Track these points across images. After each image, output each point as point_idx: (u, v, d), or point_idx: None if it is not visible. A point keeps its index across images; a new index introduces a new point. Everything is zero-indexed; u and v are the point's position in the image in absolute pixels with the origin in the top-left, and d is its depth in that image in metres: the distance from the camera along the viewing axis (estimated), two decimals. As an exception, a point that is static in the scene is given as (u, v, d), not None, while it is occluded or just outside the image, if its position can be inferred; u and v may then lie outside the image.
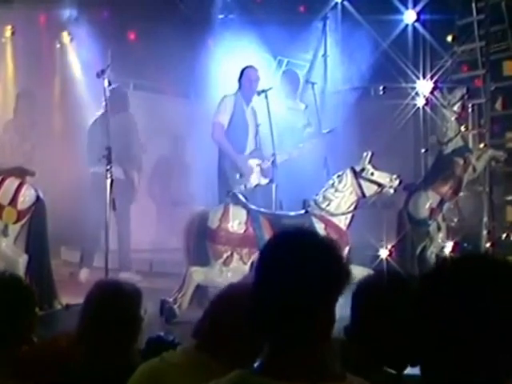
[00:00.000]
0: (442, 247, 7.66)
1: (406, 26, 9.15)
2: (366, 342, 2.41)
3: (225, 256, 6.16)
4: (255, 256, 5.91)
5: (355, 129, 8.47)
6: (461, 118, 8.02)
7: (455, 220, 8.35)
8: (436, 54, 9.19)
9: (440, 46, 9.15)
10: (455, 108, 7.84)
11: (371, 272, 6.19)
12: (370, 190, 6.46)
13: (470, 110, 8.83)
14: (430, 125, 8.71)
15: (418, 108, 8.68)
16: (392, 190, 6.53)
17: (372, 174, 6.45)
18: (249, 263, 6.13)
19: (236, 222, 6.24)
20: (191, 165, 10.29)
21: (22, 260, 6.07)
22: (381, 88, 9.04)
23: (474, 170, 7.87)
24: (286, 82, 9.08)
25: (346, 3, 9.41)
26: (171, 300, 6.04)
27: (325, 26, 9.80)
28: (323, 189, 6.48)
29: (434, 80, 8.57)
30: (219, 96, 7.67)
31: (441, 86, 8.31)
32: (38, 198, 6.26)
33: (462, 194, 8.01)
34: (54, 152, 8.74)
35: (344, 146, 7.99)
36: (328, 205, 6.38)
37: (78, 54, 9.66)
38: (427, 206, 7.63)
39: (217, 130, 7.34)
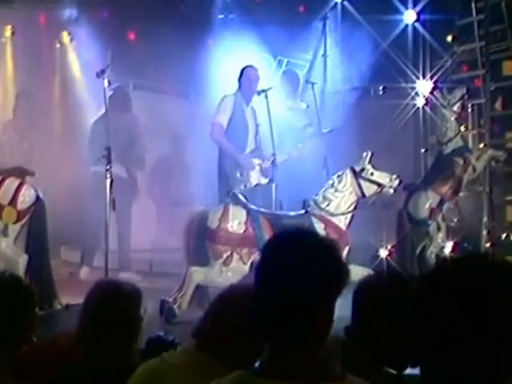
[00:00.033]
0: (442, 247, 7.65)
1: (406, 26, 9.15)
2: (367, 342, 2.41)
3: (225, 256, 6.16)
4: (255, 256, 5.92)
5: (355, 129, 8.47)
6: (461, 118, 8.02)
7: (455, 220, 8.34)
8: (436, 53, 9.19)
9: (440, 46, 9.15)
10: (455, 108, 7.84)
11: (371, 272, 6.21)
12: (369, 189, 6.46)
13: (469, 110, 8.83)
14: (430, 125, 8.71)
15: (418, 108, 8.68)
16: (392, 190, 6.53)
17: (372, 173, 6.45)
18: (249, 263, 6.13)
19: (236, 221, 6.24)
20: (191, 165, 10.28)
21: (22, 260, 6.07)
22: (381, 88, 9.04)
23: (474, 170, 7.87)
24: (286, 81, 9.09)
25: (345, 3, 9.41)
26: (171, 300, 6.04)
27: (325, 26, 9.80)
28: (323, 189, 6.48)
29: (433, 80, 8.57)
30: (219, 96, 7.67)
31: (441, 86, 8.31)
32: (37, 197, 6.26)
33: (461, 194, 8.01)
34: (53, 152, 8.74)
35: (344, 146, 7.98)
36: (328, 205, 6.38)
37: (77, 54, 9.66)
38: (427, 206, 7.63)
39: (216, 130, 7.34)
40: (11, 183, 6.21)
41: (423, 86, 8.59)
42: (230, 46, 8.98)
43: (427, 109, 8.50)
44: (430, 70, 8.87)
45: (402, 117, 8.56)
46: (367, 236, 7.22)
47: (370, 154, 6.48)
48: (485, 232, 8.22)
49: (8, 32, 9.19)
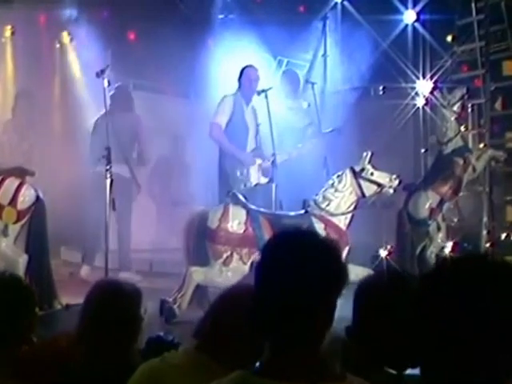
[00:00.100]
0: (442, 247, 7.66)
1: (406, 26, 9.16)
2: (367, 342, 2.41)
3: (224, 256, 6.16)
4: (255, 256, 5.92)
5: (355, 129, 8.46)
6: (460, 118, 8.03)
7: (455, 220, 8.35)
8: (436, 53, 9.20)
9: (440, 46, 9.15)
10: (455, 108, 7.84)
11: (371, 272, 6.21)
12: (369, 189, 6.46)
13: (469, 109, 8.83)
14: (430, 125, 8.72)
15: (418, 108, 8.69)
16: (392, 190, 6.53)
17: (372, 173, 6.45)
18: (248, 263, 6.14)
19: (236, 221, 6.24)
20: (191, 165, 10.28)
21: (22, 260, 6.08)
22: (381, 88, 9.04)
23: (474, 169, 7.87)
24: (286, 81, 9.08)
25: (345, 3, 9.42)
26: (171, 300, 6.04)
27: (324, 26, 9.80)
28: (323, 189, 6.48)
29: (433, 80, 8.58)
30: (219, 96, 7.67)
31: (440, 86, 8.32)
32: (37, 197, 6.26)
33: (461, 194, 8.01)
34: (53, 152, 8.74)
35: (344, 145, 7.98)
36: (328, 205, 6.38)
37: (77, 54, 9.66)
38: (427, 205, 7.63)
39: (214, 130, 7.35)
40: (11, 183, 6.21)
41: (423, 86, 8.60)
42: (230, 46, 8.98)
43: (427, 109, 8.51)
44: (430, 70, 8.88)
45: (401, 117, 8.57)
46: (367, 236, 7.23)
47: (369, 153, 6.48)
48: (485, 232, 8.22)
49: (8, 32, 9.18)
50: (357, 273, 5.78)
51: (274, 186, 6.98)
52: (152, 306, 5.48)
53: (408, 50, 9.19)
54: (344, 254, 5.84)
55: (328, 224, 6.32)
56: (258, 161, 7.34)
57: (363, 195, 6.46)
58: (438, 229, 7.67)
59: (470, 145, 8.48)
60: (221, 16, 9.70)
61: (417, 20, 9.08)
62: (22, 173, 6.51)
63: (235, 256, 6.16)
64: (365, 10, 9.06)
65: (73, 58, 9.75)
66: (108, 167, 6.51)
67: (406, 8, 9.11)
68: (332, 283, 1.79)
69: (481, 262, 1.57)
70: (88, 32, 9.22)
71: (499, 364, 1.47)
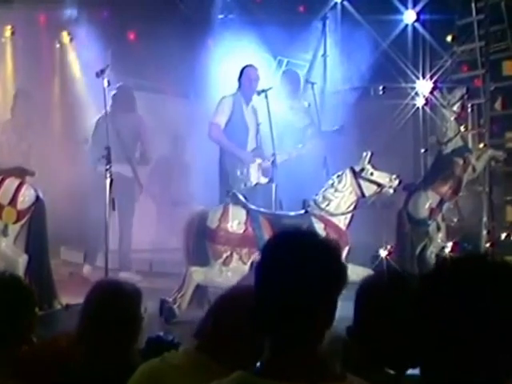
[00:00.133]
0: (442, 247, 7.66)
1: (406, 26, 9.16)
2: (368, 342, 2.41)
3: (224, 256, 6.16)
4: (255, 256, 5.92)
5: (355, 129, 8.47)
6: (460, 118, 8.03)
7: (455, 220, 8.35)
8: (436, 53, 9.20)
9: (440, 46, 9.15)
10: (455, 108, 7.84)
11: (371, 272, 6.21)
12: (369, 189, 6.46)
13: (469, 109, 8.83)
14: (430, 125, 8.72)
15: (418, 108, 8.69)
16: (391, 190, 6.53)
17: (371, 173, 6.45)
18: (248, 263, 6.14)
19: (235, 221, 6.24)
20: (191, 165, 10.28)
21: (22, 260, 6.08)
22: (380, 88, 9.03)
23: (474, 169, 7.87)
24: (287, 81, 9.06)
25: (345, 3, 9.41)
26: (171, 300, 6.04)
27: (324, 26, 9.79)
28: (323, 189, 6.48)
29: (433, 80, 8.58)
30: (219, 96, 7.68)
31: (440, 86, 8.32)
32: (37, 197, 6.26)
33: (461, 193, 8.01)
34: (53, 152, 8.74)
35: (344, 145, 7.99)
36: (328, 205, 6.38)
37: (77, 54, 9.65)
38: (427, 205, 7.63)
39: (213, 130, 7.36)
40: (11, 183, 6.21)
41: (423, 86, 8.60)
42: (230, 46, 8.97)
43: (427, 109, 8.51)
44: (430, 70, 8.88)
45: (401, 117, 8.57)
46: (367, 236, 7.23)
47: (369, 153, 6.48)
48: (485, 232, 8.22)
49: (8, 32, 9.18)
50: (357, 273, 5.78)
51: (273, 186, 6.99)
52: (152, 305, 5.47)
53: (408, 50, 9.19)
54: (344, 253, 5.84)
55: (328, 224, 6.32)
56: (258, 160, 7.34)
57: (363, 195, 6.46)
58: (438, 229, 7.67)
59: (470, 145, 8.48)
60: (221, 16, 9.70)
61: (417, 20, 9.08)
62: (21, 173, 6.51)
63: (235, 256, 6.16)
64: (365, 9, 9.06)
65: (73, 58, 9.74)
66: (108, 167, 6.51)
67: (406, 8, 9.11)
68: (332, 283, 1.79)
69: (481, 262, 1.57)
70: (88, 32, 9.21)
71: (499, 364, 1.47)
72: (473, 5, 8.86)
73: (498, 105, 9.02)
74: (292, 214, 6.53)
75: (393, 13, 9.07)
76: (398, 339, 2.21)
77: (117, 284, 2.96)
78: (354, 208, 6.48)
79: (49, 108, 9.55)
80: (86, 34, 9.26)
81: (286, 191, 7.12)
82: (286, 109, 8.46)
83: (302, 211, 6.43)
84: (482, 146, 8.53)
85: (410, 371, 2.35)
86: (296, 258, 1.77)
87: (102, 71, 6.56)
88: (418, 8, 9.03)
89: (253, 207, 6.38)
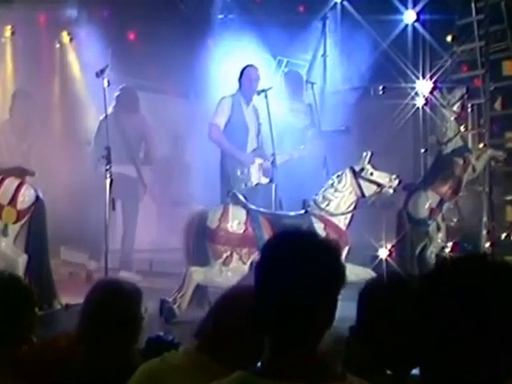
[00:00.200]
0: (442, 247, 7.66)
1: (406, 26, 9.15)
2: (370, 343, 2.41)
3: (224, 256, 6.16)
4: (255, 256, 5.92)
5: (355, 129, 8.47)
6: (460, 118, 8.03)
7: (455, 220, 8.35)
8: (436, 53, 9.19)
9: (440, 46, 9.15)
10: (455, 108, 7.84)
11: (370, 272, 6.22)
12: (369, 189, 6.46)
13: (469, 109, 8.83)
14: (430, 125, 8.71)
15: (418, 108, 8.68)
16: (391, 190, 6.53)
17: (371, 173, 6.45)
18: (248, 263, 6.14)
19: (235, 221, 6.24)
20: (191, 165, 10.28)
21: (22, 260, 6.07)
22: (380, 88, 9.03)
23: (474, 169, 7.87)
24: (289, 82, 9.02)
25: (345, 3, 9.41)
26: (171, 300, 6.04)
27: (324, 26, 9.80)
28: (323, 189, 6.48)
29: (433, 80, 8.57)
30: (219, 96, 7.68)
31: (440, 86, 8.31)
32: (37, 197, 6.26)
33: (461, 193, 8.01)
34: (53, 152, 8.74)
35: (343, 145, 7.99)
36: (327, 205, 6.38)
37: (77, 54, 9.65)
38: (427, 205, 7.63)
39: (213, 131, 7.36)
40: (11, 183, 6.21)
41: (423, 86, 8.59)
42: (230, 46, 8.97)
43: (427, 109, 8.50)
44: (430, 70, 8.87)
45: (401, 117, 8.56)
46: (367, 236, 7.21)
47: (369, 153, 6.48)
48: (485, 232, 8.22)
49: (8, 32, 9.17)
50: (356, 273, 5.79)
51: (273, 185, 6.99)
52: (152, 305, 5.47)
53: (408, 50, 9.19)
54: (344, 253, 5.84)
55: (328, 224, 6.32)
56: (259, 161, 7.34)
57: (363, 195, 6.47)
58: (438, 229, 7.67)
59: (470, 145, 8.48)
60: (220, 16, 9.70)
61: (417, 20, 9.07)
62: (21, 173, 6.51)
63: (235, 256, 6.16)
64: (364, 10, 9.06)
65: (73, 58, 9.74)
66: (108, 167, 6.51)
67: (406, 8, 9.11)
68: (332, 283, 1.80)
69: (481, 262, 1.57)
70: (88, 32, 9.22)
71: (499, 364, 1.47)
72: (473, 5, 8.85)
73: (497, 105, 9.02)
74: (292, 213, 6.53)
75: (393, 13, 9.07)
76: (400, 340, 2.21)
77: (117, 284, 2.95)
78: (354, 208, 6.48)
79: (49, 108, 9.54)
80: (86, 34, 9.26)
81: (286, 191, 7.12)
82: (286, 110, 8.45)
83: (302, 211, 6.43)
84: (481, 145, 8.53)
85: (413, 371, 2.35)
86: (296, 258, 1.77)
87: (102, 71, 6.56)
88: (418, 8, 9.03)
89: (253, 207, 6.38)
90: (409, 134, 9.34)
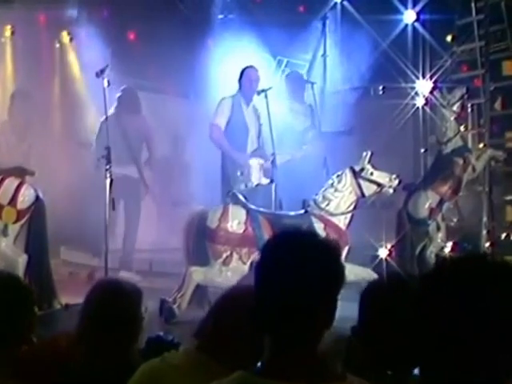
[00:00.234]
0: (442, 247, 7.66)
1: (406, 25, 9.15)
2: (371, 343, 2.41)
3: (224, 256, 6.16)
4: (254, 256, 5.92)
5: (355, 129, 8.47)
6: (460, 118, 8.03)
7: (455, 220, 8.35)
8: (435, 53, 9.19)
9: (439, 46, 9.14)
10: (455, 108, 7.84)
11: (370, 272, 6.23)
12: (369, 189, 6.47)
13: (469, 109, 8.82)
14: (430, 125, 8.71)
15: (418, 108, 8.68)
16: (391, 190, 6.53)
17: (371, 173, 6.45)
18: (248, 263, 6.14)
19: (235, 221, 6.24)
20: (191, 165, 10.28)
21: (22, 260, 6.08)
22: (380, 88, 9.03)
23: (474, 169, 7.87)
24: (291, 84, 8.98)
25: (345, 3, 9.41)
26: (171, 300, 6.04)
27: (324, 25, 9.79)
28: (323, 189, 6.49)
29: (433, 80, 8.57)
30: (219, 96, 7.68)
31: (440, 86, 8.31)
32: (37, 197, 6.26)
33: (461, 193, 8.01)
34: (53, 152, 8.74)
35: (343, 145, 7.99)
36: (327, 204, 6.39)
37: (77, 54, 9.65)
38: (427, 205, 7.63)
39: (214, 132, 7.37)
40: (11, 183, 6.21)
41: (423, 86, 8.59)
42: (230, 47, 8.97)
43: (427, 109, 8.50)
44: (430, 70, 8.87)
45: (401, 117, 8.56)
46: (367, 236, 7.22)
47: (369, 153, 6.49)
48: (484, 232, 8.22)
49: (8, 32, 9.17)
50: (355, 272, 5.81)
51: (273, 185, 6.98)
52: (152, 305, 5.47)
53: (408, 49, 9.18)
54: (344, 253, 5.84)
55: (328, 224, 6.33)
56: (260, 161, 7.33)
57: (363, 195, 6.47)
58: (438, 229, 7.67)
59: (470, 145, 8.48)
60: (220, 16, 9.70)
61: (417, 20, 9.07)
62: (21, 172, 6.52)
63: (235, 256, 6.16)
64: (364, 9, 9.05)
65: (73, 58, 9.74)
66: (108, 167, 6.51)
67: (406, 8, 9.10)
68: (332, 283, 1.80)
69: (481, 262, 1.57)
70: (88, 32, 9.22)
71: (499, 364, 1.47)
72: (473, 5, 8.85)
73: (497, 105, 9.02)
74: (292, 213, 6.54)
75: (393, 13, 9.06)
76: (401, 340, 2.21)
77: (117, 283, 2.95)
78: (354, 208, 6.48)
79: (49, 108, 9.54)
80: (86, 34, 9.26)
81: (286, 191, 7.12)
82: (286, 111, 8.44)
83: (302, 211, 6.44)
84: (481, 145, 8.53)
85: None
86: (296, 258, 1.77)
87: (102, 71, 6.56)
88: (418, 8, 9.02)
89: (252, 207, 6.38)
90: (409, 134, 9.34)
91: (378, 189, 6.49)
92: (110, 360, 2.70)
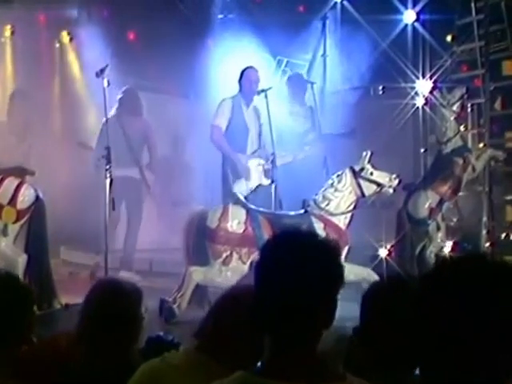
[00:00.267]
0: (442, 247, 7.66)
1: (406, 25, 9.15)
2: (372, 343, 2.41)
3: (224, 256, 6.16)
4: (254, 256, 5.92)
5: (355, 130, 8.46)
6: (460, 118, 8.03)
7: (454, 220, 8.35)
8: (435, 53, 9.19)
9: (439, 46, 9.15)
10: (454, 108, 7.84)
11: (370, 271, 6.23)
12: (369, 189, 6.47)
13: (469, 109, 8.83)
14: (430, 124, 8.72)
15: (418, 108, 8.68)
16: (391, 190, 6.53)
17: (371, 173, 6.45)
18: (248, 263, 6.14)
19: (235, 221, 6.24)
20: (191, 165, 10.29)
21: (22, 260, 6.08)
22: (380, 88, 9.03)
23: (474, 169, 7.87)
24: (291, 86, 8.96)
25: (345, 3, 9.41)
26: (171, 300, 6.04)
27: (324, 25, 9.79)
28: (323, 188, 6.49)
29: (433, 80, 8.57)
30: (219, 96, 7.68)
31: (440, 86, 8.31)
32: (37, 197, 6.26)
33: (461, 193, 8.01)
34: (53, 152, 8.75)
35: (343, 145, 7.98)
36: (327, 204, 6.39)
37: (77, 54, 9.66)
38: (426, 205, 7.63)
39: (215, 133, 7.37)
40: (11, 183, 6.21)
41: (423, 86, 8.60)
42: (230, 47, 8.97)
43: (427, 108, 8.50)
44: (430, 70, 8.87)
45: (401, 116, 8.56)
46: (366, 236, 7.22)
47: (369, 153, 6.48)
48: (484, 232, 8.22)
49: (8, 32, 9.18)
50: (355, 272, 5.81)
51: (273, 185, 6.99)
52: (152, 305, 5.47)
53: (408, 49, 9.19)
54: (344, 253, 5.84)
55: (327, 223, 6.33)
56: (261, 161, 7.33)
57: (363, 195, 6.47)
58: (438, 228, 7.67)
59: (470, 144, 8.48)
60: (220, 16, 9.70)
61: (416, 20, 9.07)
62: (21, 172, 6.53)
63: (235, 256, 6.16)
64: (364, 9, 9.05)
65: (73, 58, 9.75)
66: (108, 167, 6.50)
67: (406, 8, 9.11)
68: (332, 283, 1.80)
69: (480, 262, 1.57)
70: (88, 32, 9.22)
71: (499, 364, 1.47)
72: (472, 5, 8.85)
73: (497, 105, 9.03)
74: (292, 213, 6.54)
75: (393, 13, 9.07)
76: (401, 340, 2.21)
77: (117, 283, 2.95)
78: (354, 208, 6.48)
79: (49, 108, 9.55)
80: (86, 34, 9.26)
81: (286, 191, 7.12)
82: (286, 113, 8.42)
83: (302, 211, 6.44)
84: (481, 145, 8.53)
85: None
86: (296, 258, 1.77)
87: (102, 71, 6.56)
88: (418, 8, 9.03)
89: (252, 207, 6.38)
90: (409, 133, 9.34)
91: (378, 189, 6.49)
92: (110, 360, 2.70)
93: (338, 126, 8.35)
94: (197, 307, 5.86)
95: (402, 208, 7.73)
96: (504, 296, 1.48)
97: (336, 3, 9.57)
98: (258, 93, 7.30)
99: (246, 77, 7.44)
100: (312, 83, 8.33)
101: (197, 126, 8.88)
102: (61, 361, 2.67)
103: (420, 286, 1.58)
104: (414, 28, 9.15)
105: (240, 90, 7.48)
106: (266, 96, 7.19)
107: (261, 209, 6.47)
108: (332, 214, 6.36)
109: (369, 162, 6.46)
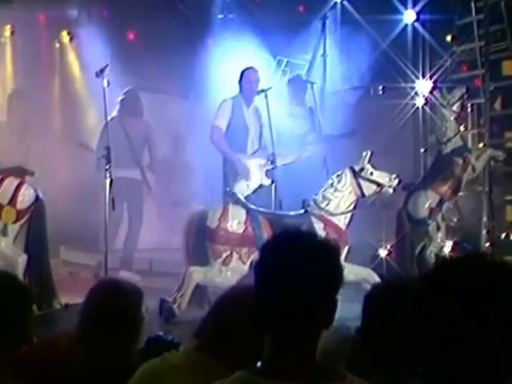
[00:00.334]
0: (442, 247, 7.66)
1: (406, 25, 9.16)
2: (373, 344, 2.41)
3: (224, 256, 6.16)
4: (254, 256, 5.92)
5: (355, 131, 8.46)
6: (460, 118, 8.03)
7: (454, 220, 8.35)
8: (435, 53, 9.20)
9: (439, 46, 9.15)
10: (454, 108, 7.84)
11: (370, 271, 6.23)
12: (369, 189, 6.47)
13: (469, 109, 8.83)
14: (430, 124, 8.72)
15: (418, 108, 8.69)
16: (391, 190, 6.53)
17: (371, 173, 6.45)
18: (248, 263, 6.14)
19: (235, 221, 6.24)
20: (191, 165, 10.29)
21: (22, 260, 6.08)
22: (380, 88, 9.03)
23: (474, 169, 7.88)
24: (292, 88, 8.95)
25: (345, 3, 9.41)
26: (170, 300, 6.04)
27: (324, 25, 9.79)
28: (322, 188, 6.49)
29: (433, 80, 8.58)
30: (219, 96, 7.68)
31: (440, 86, 8.32)
32: (37, 197, 6.26)
33: (461, 193, 8.01)
34: (53, 152, 8.75)
35: (343, 145, 7.98)
36: (327, 204, 6.39)
37: (77, 54, 9.66)
38: (426, 205, 7.63)
39: (215, 134, 7.36)
40: (10, 183, 6.21)
41: (423, 86, 8.60)
42: (230, 47, 8.97)
43: (427, 108, 8.51)
44: (430, 70, 8.88)
45: (401, 116, 8.57)
46: (366, 236, 7.23)
47: (369, 153, 6.49)
48: (484, 232, 8.23)
49: (7, 32, 9.18)
50: (355, 272, 5.81)
51: (273, 185, 6.99)
52: (152, 305, 5.47)
53: (408, 49, 9.19)
54: (343, 253, 5.84)
55: (327, 223, 6.33)
56: (261, 161, 7.33)
57: (363, 195, 6.47)
58: (438, 228, 7.67)
59: (470, 144, 8.48)
60: (220, 16, 9.70)
61: (416, 20, 9.08)
62: (21, 172, 6.52)
63: (235, 256, 6.16)
64: (364, 9, 9.05)
65: (73, 58, 9.75)
66: (108, 167, 6.50)
67: (406, 8, 9.11)
68: (332, 283, 1.80)
69: (480, 262, 1.57)
70: (88, 32, 9.22)
71: (499, 364, 1.47)
72: (472, 5, 8.86)
73: (497, 105, 9.03)
74: (292, 213, 6.54)
75: (393, 13, 9.07)
76: (401, 340, 2.21)
77: (117, 283, 2.95)
78: (354, 208, 6.48)
79: (49, 108, 9.55)
80: (86, 34, 9.26)
81: (286, 191, 7.12)
82: (286, 114, 8.42)
83: (302, 211, 6.44)
84: (481, 145, 8.54)
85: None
86: (296, 258, 1.77)
87: (102, 71, 6.56)
88: (418, 8, 9.03)
89: (252, 207, 6.38)
90: (409, 133, 9.34)
91: (378, 189, 6.49)
92: (109, 360, 2.69)
93: (338, 126, 8.34)
94: (197, 307, 5.86)
95: (402, 208, 7.73)
96: (504, 296, 1.48)
97: (336, 3, 9.57)
98: (258, 93, 7.30)
99: (246, 77, 7.44)
100: (312, 83, 8.33)
101: (197, 126, 8.88)
102: (61, 361, 2.67)
103: (420, 286, 1.58)
104: (413, 28, 9.15)
105: (240, 91, 7.48)
106: (266, 96, 7.19)
107: (261, 209, 6.47)
108: (332, 214, 6.36)
109: (369, 162, 6.46)
